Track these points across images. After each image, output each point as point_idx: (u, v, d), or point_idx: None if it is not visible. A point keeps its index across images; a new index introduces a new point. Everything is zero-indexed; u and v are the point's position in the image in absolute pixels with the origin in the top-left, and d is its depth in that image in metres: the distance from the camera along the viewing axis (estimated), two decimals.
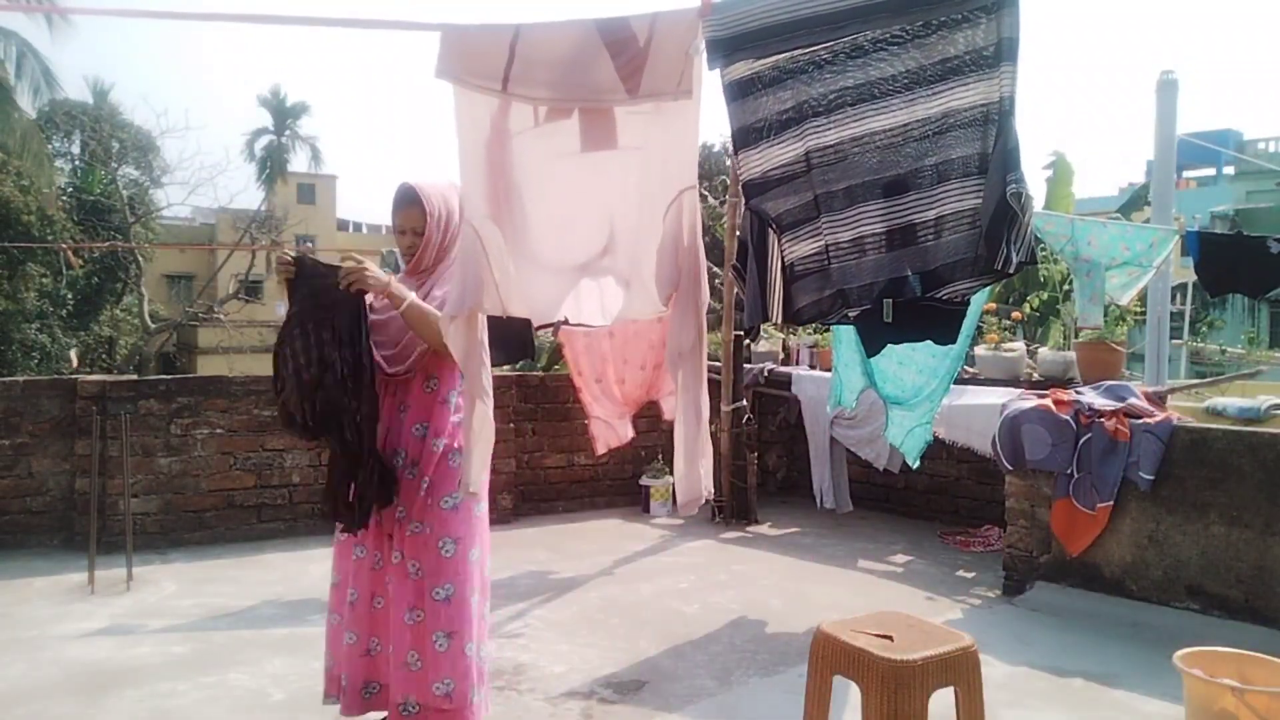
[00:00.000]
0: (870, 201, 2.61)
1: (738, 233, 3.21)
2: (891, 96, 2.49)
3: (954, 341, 2.95)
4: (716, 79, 2.55)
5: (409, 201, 2.85)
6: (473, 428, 2.58)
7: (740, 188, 2.75)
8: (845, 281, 2.71)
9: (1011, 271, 2.46)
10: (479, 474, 2.65)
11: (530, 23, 2.46)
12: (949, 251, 2.58)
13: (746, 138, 2.62)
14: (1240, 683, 2.92)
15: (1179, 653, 3.05)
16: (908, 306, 2.69)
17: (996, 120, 2.42)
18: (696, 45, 2.45)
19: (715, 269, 7.87)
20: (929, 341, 2.91)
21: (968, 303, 2.78)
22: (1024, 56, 2.34)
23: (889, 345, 4.98)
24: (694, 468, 2.64)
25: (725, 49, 2.45)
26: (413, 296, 2.75)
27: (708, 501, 6.62)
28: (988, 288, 4.89)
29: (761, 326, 8.01)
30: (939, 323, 2.77)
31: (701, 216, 2.63)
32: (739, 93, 2.57)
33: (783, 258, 2.71)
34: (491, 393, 2.65)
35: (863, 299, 2.72)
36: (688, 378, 2.62)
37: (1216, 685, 2.89)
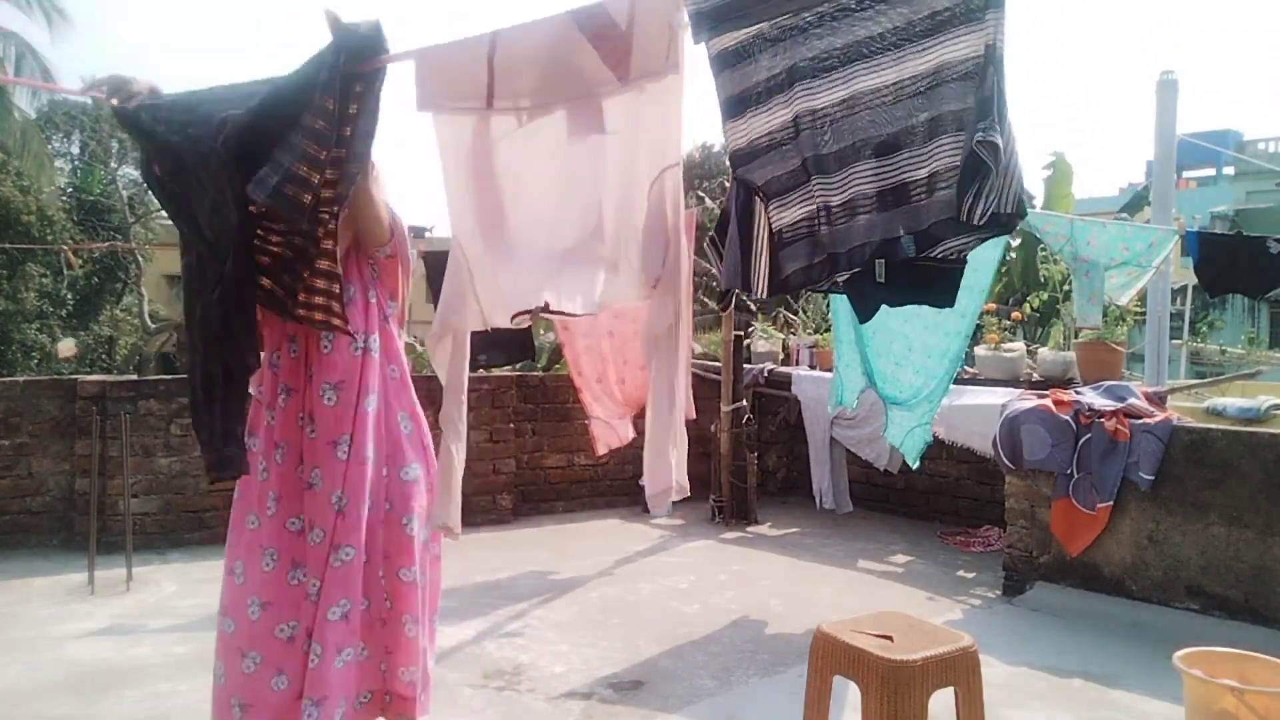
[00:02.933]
0: (862, 162, 2.53)
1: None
2: (881, 55, 2.40)
3: (951, 304, 2.79)
4: (701, 52, 2.47)
5: None
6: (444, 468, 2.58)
7: (728, 159, 2.65)
8: (836, 246, 2.61)
9: (981, 223, 2.36)
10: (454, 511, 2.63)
11: (504, 28, 2.36)
12: (941, 209, 2.46)
13: (734, 108, 2.56)
14: (1240, 683, 2.91)
15: (1179, 653, 3.04)
16: (902, 266, 2.61)
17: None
18: (679, 19, 2.36)
19: (714, 272, 7.85)
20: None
21: (964, 261, 2.68)
22: (1011, 12, 2.28)
23: (889, 342, 5.02)
24: (663, 458, 2.51)
25: (710, 21, 2.38)
26: None
27: (710, 502, 6.65)
28: (994, 263, 4.77)
29: (761, 326, 8.04)
30: (935, 283, 2.66)
31: (699, 217, 2.60)
32: (725, 63, 2.51)
33: (770, 225, 2.63)
34: (465, 433, 2.60)
35: (854, 262, 2.63)
36: (661, 362, 2.51)
37: (1216, 685, 2.88)
